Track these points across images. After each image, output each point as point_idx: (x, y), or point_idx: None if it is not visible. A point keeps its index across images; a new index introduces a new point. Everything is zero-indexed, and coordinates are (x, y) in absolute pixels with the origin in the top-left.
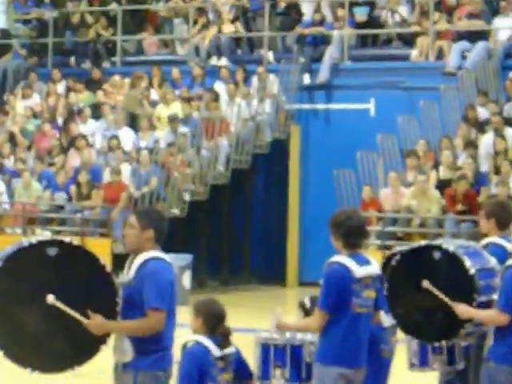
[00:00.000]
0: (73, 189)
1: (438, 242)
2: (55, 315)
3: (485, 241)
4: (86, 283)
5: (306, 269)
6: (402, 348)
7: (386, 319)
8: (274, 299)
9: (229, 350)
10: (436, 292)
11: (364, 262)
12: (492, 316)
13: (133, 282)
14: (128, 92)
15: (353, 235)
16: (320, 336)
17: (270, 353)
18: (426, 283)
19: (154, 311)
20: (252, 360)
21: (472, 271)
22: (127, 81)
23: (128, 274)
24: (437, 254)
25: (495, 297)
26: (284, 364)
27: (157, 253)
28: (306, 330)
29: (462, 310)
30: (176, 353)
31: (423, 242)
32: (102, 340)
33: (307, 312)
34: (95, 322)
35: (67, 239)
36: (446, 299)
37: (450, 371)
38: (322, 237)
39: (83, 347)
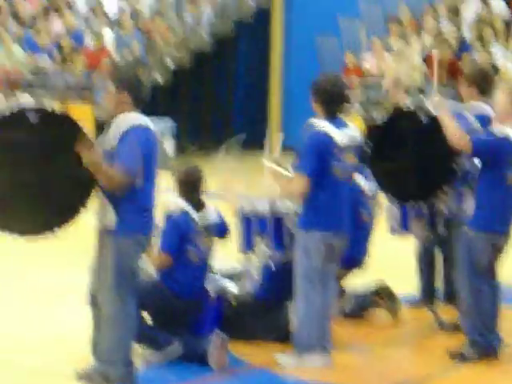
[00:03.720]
0: (55, 54)
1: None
2: (37, 179)
3: (467, 105)
4: (67, 149)
5: (289, 135)
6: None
7: (364, 183)
8: (254, 164)
9: (207, 215)
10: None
11: (342, 125)
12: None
13: (115, 149)
14: None
15: (334, 102)
16: (302, 204)
17: (252, 224)
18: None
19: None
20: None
21: None
22: None
23: (109, 137)
24: (423, 118)
25: None
26: (267, 234)
27: (138, 119)
28: (290, 193)
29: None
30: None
31: (411, 107)
32: (82, 203)
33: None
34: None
35: (49, 105)
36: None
37: (430, 237)
38: (305, 104)
39: (64, 210)
